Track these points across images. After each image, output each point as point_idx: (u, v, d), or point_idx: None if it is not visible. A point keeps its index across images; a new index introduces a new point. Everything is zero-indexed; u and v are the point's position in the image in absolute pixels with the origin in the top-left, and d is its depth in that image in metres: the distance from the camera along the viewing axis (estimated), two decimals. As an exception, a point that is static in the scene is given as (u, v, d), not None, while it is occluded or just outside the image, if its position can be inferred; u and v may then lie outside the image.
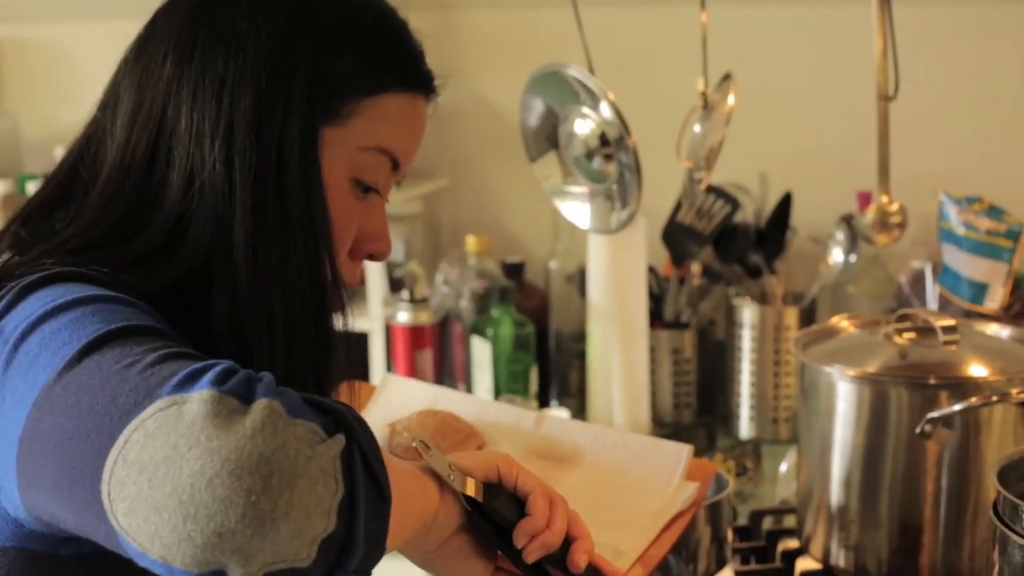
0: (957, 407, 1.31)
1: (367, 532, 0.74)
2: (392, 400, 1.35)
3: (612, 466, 1.28)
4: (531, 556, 0.93)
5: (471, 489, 0.91)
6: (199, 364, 0.74)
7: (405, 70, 1.01)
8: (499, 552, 0.95)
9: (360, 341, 2.30)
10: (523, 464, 1.23)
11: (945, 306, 1.81)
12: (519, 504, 0.94)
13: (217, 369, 0.73)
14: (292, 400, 0.74)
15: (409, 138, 1.02)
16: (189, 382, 0.73)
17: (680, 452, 1.29)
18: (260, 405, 0.72)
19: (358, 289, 2.40)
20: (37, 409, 0.76)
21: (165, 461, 0.70)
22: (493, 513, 0.92)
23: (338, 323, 0.98)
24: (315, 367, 0.96)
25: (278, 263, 0.92)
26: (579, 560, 0.95)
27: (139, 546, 0.70)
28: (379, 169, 1.00)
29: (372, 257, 1.04)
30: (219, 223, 0.92)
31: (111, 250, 0.91)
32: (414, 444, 0.90)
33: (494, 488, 0.93)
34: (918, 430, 1.32)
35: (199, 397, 0.71)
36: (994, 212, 1.72)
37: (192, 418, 0.70)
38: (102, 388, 0.74)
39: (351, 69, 0.96)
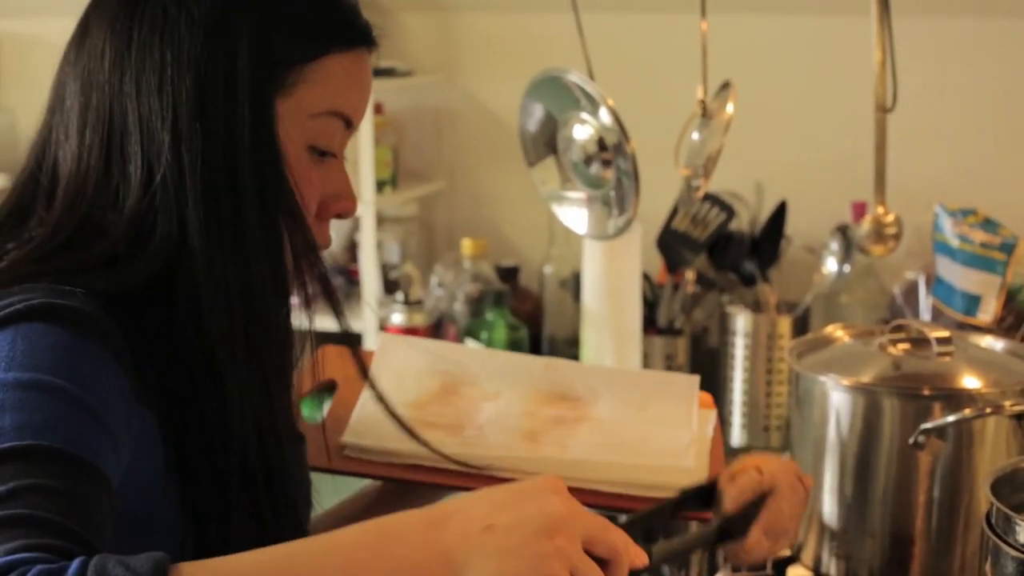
0: (950, 418, 1.31)
1: None
2: (393, 363, 1.30)
3: (632, 399, 1.27)
4: None
5: None
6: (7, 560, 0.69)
7: (342, 28, 0.99)
8: None
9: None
10: (541, 409, 1.21)
11: (938, 317, 1.81)
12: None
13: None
14: None
15: (357, 95, 1.00)
16: None
17: (691, 383, 1.31)
18: None
19: (352, 290, 2.40)
20: None
21: None
22: None
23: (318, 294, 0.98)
24: (275, 355, 0.97)
25: (232, 253, 0.91)
26: None
27: None
28: (333, 132, 0.99)
29: (340, 215, 1.02)
30: (180, 215, 0.91)
31: (79, 252, 0.90)
32: None
33: None
34: (911, 441, 1.32)
35: None
36: (988, 225, 1.72)
37: None
38: None
39: (288, 38, 0.95)
